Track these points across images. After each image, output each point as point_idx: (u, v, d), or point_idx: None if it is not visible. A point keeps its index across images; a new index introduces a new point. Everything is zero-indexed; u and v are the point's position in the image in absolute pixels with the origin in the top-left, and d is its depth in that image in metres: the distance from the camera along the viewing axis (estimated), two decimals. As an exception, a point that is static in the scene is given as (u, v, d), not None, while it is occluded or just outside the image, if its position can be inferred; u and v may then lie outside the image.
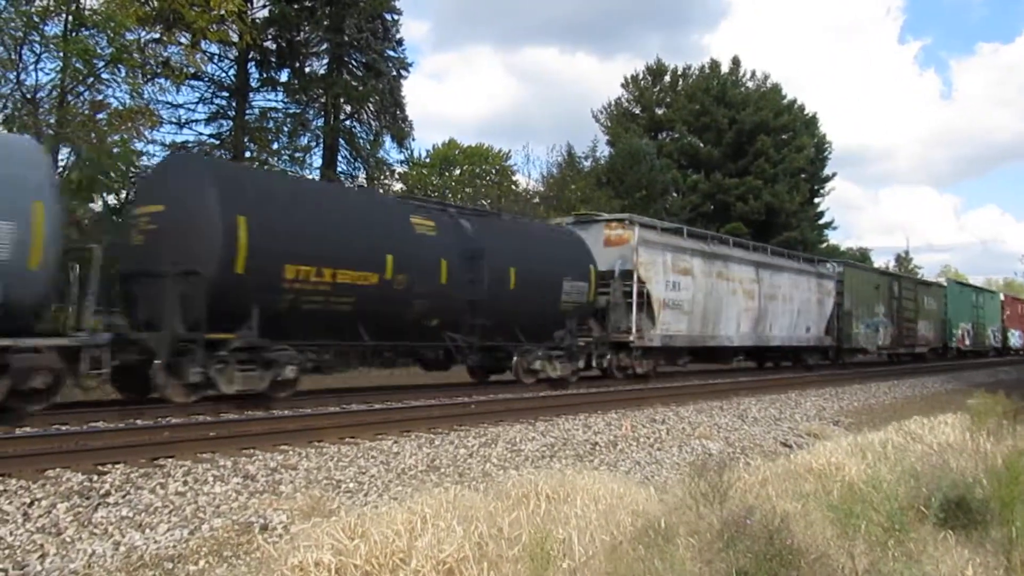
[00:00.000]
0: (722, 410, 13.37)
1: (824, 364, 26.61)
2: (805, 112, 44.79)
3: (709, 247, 20.09)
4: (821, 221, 47.03)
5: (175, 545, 4.95)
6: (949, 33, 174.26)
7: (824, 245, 45.85)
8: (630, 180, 34.15)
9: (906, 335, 30.75)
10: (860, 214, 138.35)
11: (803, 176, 43.51)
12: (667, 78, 45.20)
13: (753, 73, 44.89)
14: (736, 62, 44.64)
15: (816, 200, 46.29)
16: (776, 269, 22.79)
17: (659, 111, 44.29)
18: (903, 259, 67.56)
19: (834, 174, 47.70)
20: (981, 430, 8.83)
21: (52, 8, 16.70)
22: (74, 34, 16.66)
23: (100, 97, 17.53)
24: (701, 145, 42.10)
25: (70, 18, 16.90)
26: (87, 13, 17.03)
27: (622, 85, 45.95)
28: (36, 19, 16.38)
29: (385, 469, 7.29)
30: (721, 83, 43.10)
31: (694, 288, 18.72)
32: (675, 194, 39.40)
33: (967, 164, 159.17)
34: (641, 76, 45.52)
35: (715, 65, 44.58)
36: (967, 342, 37.31)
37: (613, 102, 45.36)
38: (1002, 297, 44.13)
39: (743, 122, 40.93)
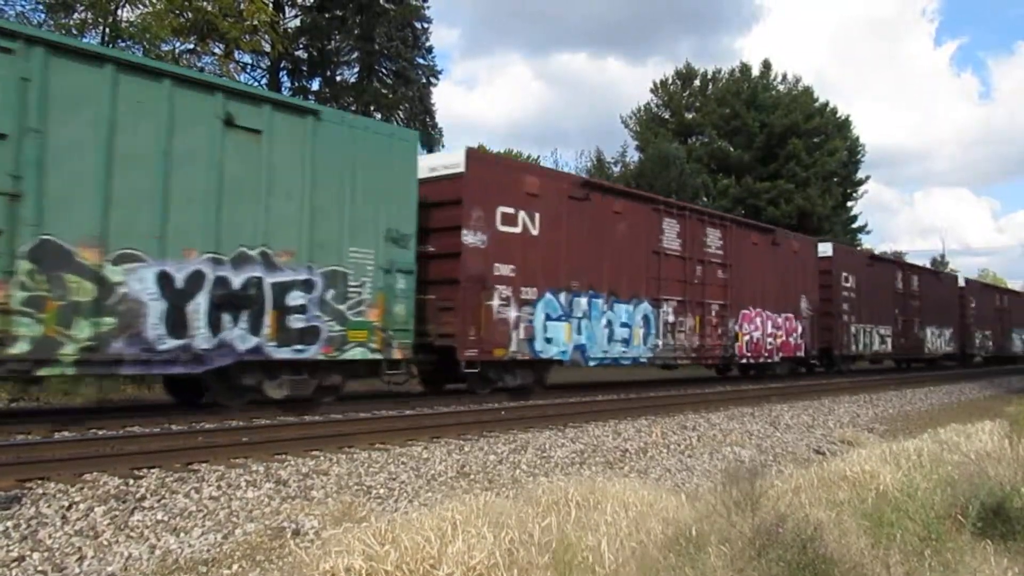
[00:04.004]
0: (754, 417, 13.23)
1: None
2: (837, 115, 44.24)
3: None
4: (854, 225, 46.36)
5: (209, 549, 5.02)
6: (987, 32, 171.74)
7: (858, 249, 45.12)
8: (660, 185, 33.97)
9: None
10: (895, 217, 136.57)
11: (835, 179, 42.92)
12: (697, 82, 44.93)
13: (784, 76, 44.50)
14: (767, 65, 44.25)
15: (849, 203, 45.66)
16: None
17: (689, 115, 44.01)
18: (938, 262, 66.37)
19: (867, 177, 47.02)
20: (1020, 437, 8.66)
21: (90, 20, 17.06)
22: (111, 45, 16.99)
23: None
24: (731, 149, 41.73)
25: (107, 30, 17.25)
26: (124, 25, 17.38)
27: (651, 90, 45.85)
28: (75, 31, 16.75)
29: (415, 475, 7.32)
30: (752, 86, 42.73)
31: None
32: (705, 199, 39.10)
33: (1007, 165, 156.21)
34: (670, 81, 45.34)
35: (745, 68, 44.23)
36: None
37: (642, 107, 45.24)
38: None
39: (774, 125, 40.53)
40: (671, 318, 15.96)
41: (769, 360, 19.44)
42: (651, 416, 12.12)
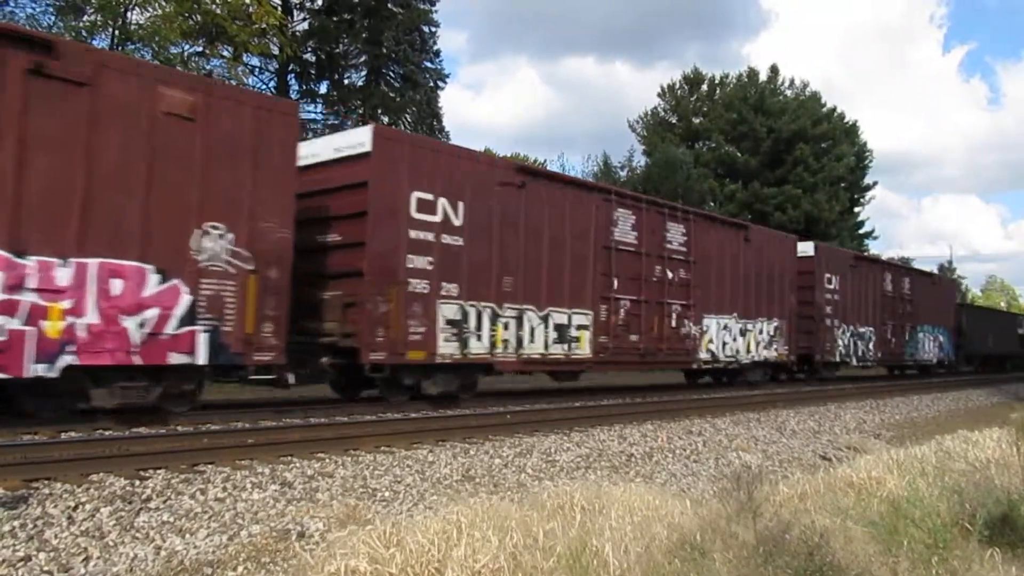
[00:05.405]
0: (759, 422, 13.19)
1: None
2: (845, 120, 44.20)
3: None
4: (861, 231, 46.28)
5: (214, 551, 5.02)
6: (995, 38, 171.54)
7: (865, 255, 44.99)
8: (666, 190, 33.96)
9: None
10: (902, 223, 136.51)
11: (843, 185, 42.85)
12: (704, 87, 44.97)
13: (792, 81, 44.51)
14: (774, 70, 44.26)
15: (856, 209, 45.58)
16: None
17: (696, 120, 44.04)
18: (946, 269, 65.89)
19: (875, 183, 47.06)
20: (1027, 445, 8.59)
21: (100, 23, 17.15)
22: (121, 48, 17.07)
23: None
24: (738, 154, 41.71)
25: (117, 32, 17.33)
26: (133, 28, 17.47)
27: (659, 94, 45.94)
28: (84, 34, 16.84)
29: (420, 478, 7.31)
30: (759, 91, 42.72)
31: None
32: (712, 204, 39.07)
33: (1016, 172, 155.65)
34: (678, 85, 45.39)
35: (753, 73, 44.23)
36: None
37: (649, 111, 45.34)
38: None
39: (781, 131, 40.49)
40: None
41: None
42: (656, 421, 12.10)
